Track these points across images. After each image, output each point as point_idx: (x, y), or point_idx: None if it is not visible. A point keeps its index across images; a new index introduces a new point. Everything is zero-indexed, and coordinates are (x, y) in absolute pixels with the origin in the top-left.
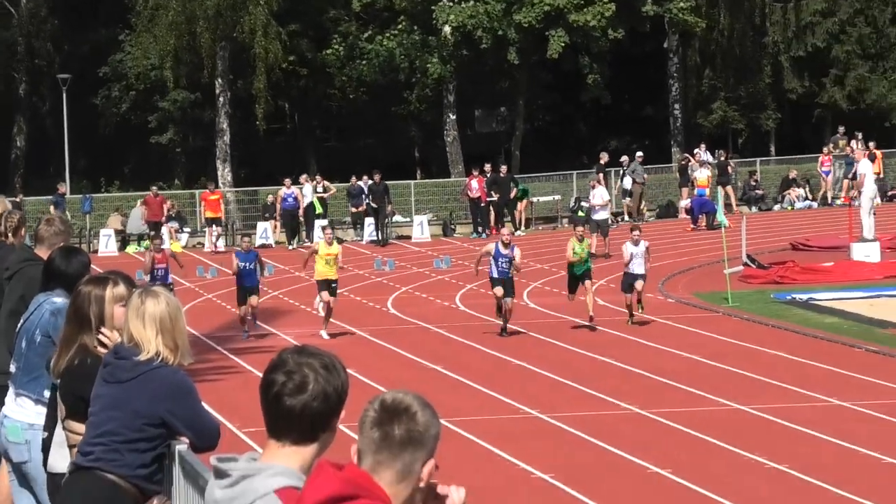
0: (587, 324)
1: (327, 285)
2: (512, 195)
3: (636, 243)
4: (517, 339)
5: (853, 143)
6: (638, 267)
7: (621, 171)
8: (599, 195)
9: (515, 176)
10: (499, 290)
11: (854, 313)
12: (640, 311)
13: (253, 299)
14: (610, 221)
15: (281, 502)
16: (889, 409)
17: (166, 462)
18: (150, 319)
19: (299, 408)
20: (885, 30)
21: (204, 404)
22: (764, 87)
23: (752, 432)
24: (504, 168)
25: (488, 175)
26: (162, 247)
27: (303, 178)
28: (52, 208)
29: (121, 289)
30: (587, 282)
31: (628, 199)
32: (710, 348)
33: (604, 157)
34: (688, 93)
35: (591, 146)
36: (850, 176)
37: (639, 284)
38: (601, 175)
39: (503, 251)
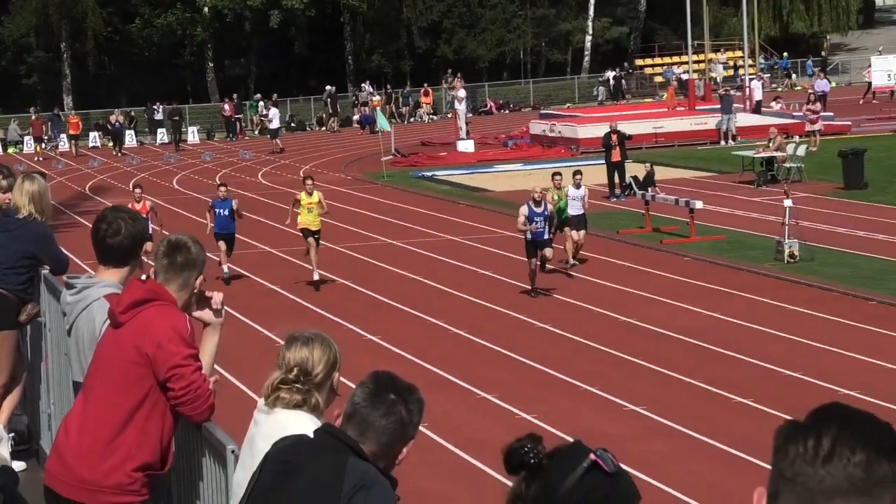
0: (564, 270)
1: (310, 234)
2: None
3: (577, 187)
4: (253, 205)
5: (456, 79)
6: (576, 209)
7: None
8: (272, 114)
9: (251, 102)
10: (532, 262)
11: (458, 183)
12: (571, 261)
13: (223, 245)
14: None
15: (107, 302)
16: (483, 241)
17: (36, 281)
18: (27, 193)
19: (116, 244)
20: (475, 9)
21: (59, 246)
22: (402, 46)
23: (406, 257)
24: (275, 95)
25: (235, 101)
26: (143, 196)
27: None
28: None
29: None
30: (566, 229)
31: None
32: (377, 207)
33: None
34: (357, 50)
35: (300, 85)
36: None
37: (576, 235)
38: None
39: (536, 210)
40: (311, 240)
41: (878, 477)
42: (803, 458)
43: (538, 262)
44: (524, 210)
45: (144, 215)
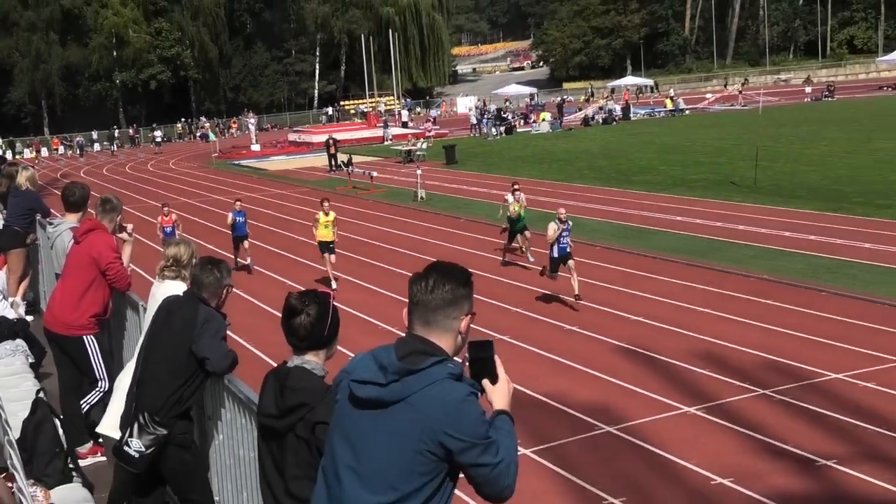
0: (533, 265)
1: (326, 246)
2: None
3: (561, 220)
4: (148, 182)
5: (249, 112)
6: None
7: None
8: (157, 134)
9: (145, 129)
10: (554, 277)
11: (253, 167)
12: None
13: (245, 243)
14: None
15: (71, 232)
16: (266, 195)
17: (34, 223)
18: (25, 177)
19: (74, 201)
20: (258, 77)
21: (45, 203)
22: (220, 96)
23: (227, 206)
24: (154, 123)
25: (136, 127)
26: (171, 211)
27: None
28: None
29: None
30: (526, 232)
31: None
32: (210, 180)
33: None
34: (197, 99)
35: (170, 118)
36: (224, 127)
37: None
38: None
39: (562, 226)
40: (326, 255)
41: (458, 296)
42: (421, 291)
43: (569, 272)
44: (553, 226)
45: (172, 225)
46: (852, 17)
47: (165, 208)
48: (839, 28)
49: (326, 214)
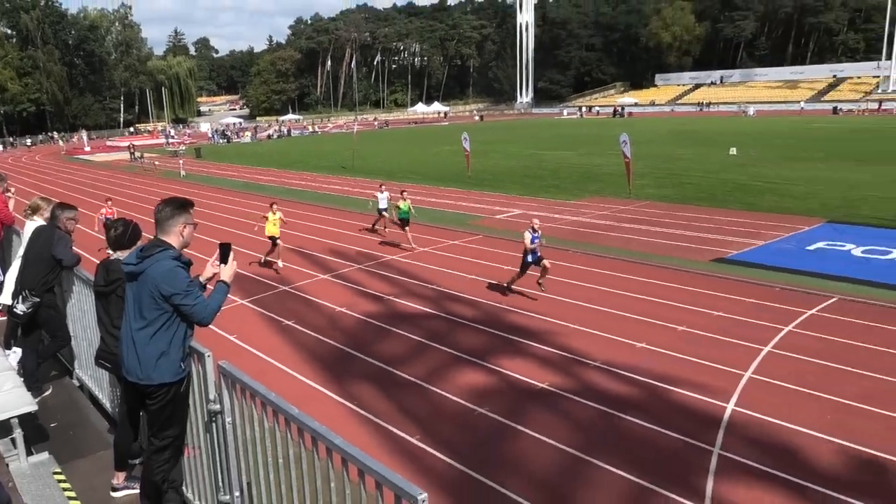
0: (410, 248)
1: (273, 239)
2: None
3: (382, 192)
4: (57, 172)
5: (82, 131)
6: (384, 205)
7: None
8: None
9: (62, 134)
10: (521, 275)
11: (89, 160)
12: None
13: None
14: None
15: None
16: (112, 176)
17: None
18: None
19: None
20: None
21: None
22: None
23: (91, 184)
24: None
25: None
26: (111, 205)
27: None
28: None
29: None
30: (407, 227)
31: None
32: (60, 167)
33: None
34: (75, 114)
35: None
36: (69, 138)
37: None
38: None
39: (535, 235)
40: (276, 243)
41: (176, 213)
42: (158, 213)
43: (540, 272)
44: (528, 235)
45: (113, 216)
46: (396, 88)
47: (108, 202)
48: (390, 94)
49: (274, 214)
